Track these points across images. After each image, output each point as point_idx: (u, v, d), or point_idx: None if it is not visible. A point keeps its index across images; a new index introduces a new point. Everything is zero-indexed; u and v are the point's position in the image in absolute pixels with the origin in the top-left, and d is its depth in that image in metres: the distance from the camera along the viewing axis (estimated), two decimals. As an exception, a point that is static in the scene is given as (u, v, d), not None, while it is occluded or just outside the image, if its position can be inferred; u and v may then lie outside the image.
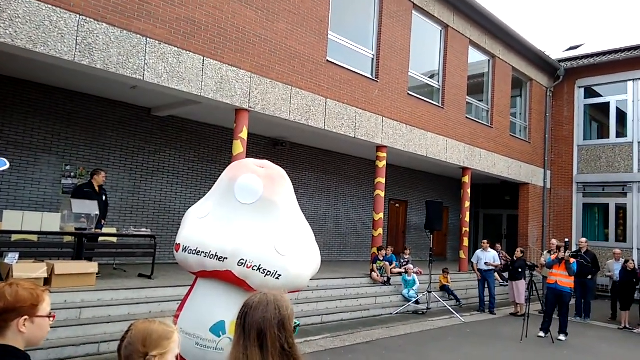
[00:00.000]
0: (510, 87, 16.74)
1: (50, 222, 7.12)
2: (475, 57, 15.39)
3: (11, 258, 6.21)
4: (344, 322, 9.15)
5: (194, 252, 3.51)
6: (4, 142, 8.74)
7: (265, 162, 4.00)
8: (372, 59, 11.73)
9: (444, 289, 12.00)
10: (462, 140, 14.33)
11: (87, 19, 6.84)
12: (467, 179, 14.66)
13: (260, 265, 3.36)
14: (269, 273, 3.36)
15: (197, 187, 11.55)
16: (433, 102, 13.49)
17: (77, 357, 5.72)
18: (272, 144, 13.20)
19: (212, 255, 3.43)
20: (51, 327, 1.94)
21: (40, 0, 6.41)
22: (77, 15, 6.75)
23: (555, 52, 20.13)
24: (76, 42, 6.73)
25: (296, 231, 3.74)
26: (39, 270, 6.13)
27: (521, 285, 11.31)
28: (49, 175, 9.38)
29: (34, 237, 7.43)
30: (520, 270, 11.36)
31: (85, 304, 6.38)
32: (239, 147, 8.82)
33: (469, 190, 14.68)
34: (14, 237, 7.16)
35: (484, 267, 11.70)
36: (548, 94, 18.82)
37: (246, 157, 8.77)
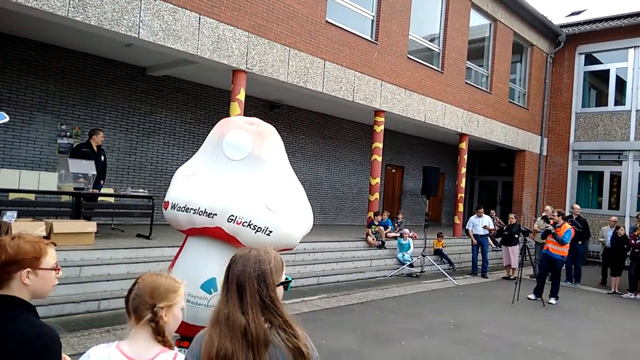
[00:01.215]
0: (510, 52, 16.51)
1: (47, 181, 7.09)
2: (476, 20, 15.10)
3: (9, 216, 6.22)
4: (339, 284, 9.31)
5: (182, 209, 3.48)
6: (-3, 100, 8.61)
7: (255, 119, 3.92)
8: (372, 21, 11.48)
9: (437, 252, 12.19)
10: (461, 106, 14.23)
11: (80, -28, 6.61)
12: (464, 145, 14.64)
13: (250, 222, 3.33)
14: (259, 229, 3.33)
15: (194, 149, 11.45)
16: (433, 66, 13.32)
17: (77, 314, 5.81)
18: (269, 107, 13.07)
19: (201, 211, 3.39)
20: None
21: (31, -48, 6.17)
22: (70, -32, 6.52)
23: (557, 17, 19.78)
24: (69, -4, 6.52)
25: (287, 188, 3.69)
26: (38, 228, 6.14)
27: (515, 250, 11.49)
28: (45, 135, 9.28)
29: (31, 196, 7.42)
30: (516, 235, 11.51)
31: (84, 263, 6.44)
32: (236, 109, 8.72)
33: (465, 157, 14.70)
34: (11, 196, 7.14)
35: (481, 232, 11.84)
36: (548, 60, 18.60)
37: (244, 119, 8.69)
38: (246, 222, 3.32)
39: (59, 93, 9.43)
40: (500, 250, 12.62)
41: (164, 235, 8.63)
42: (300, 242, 3.92)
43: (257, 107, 12.57)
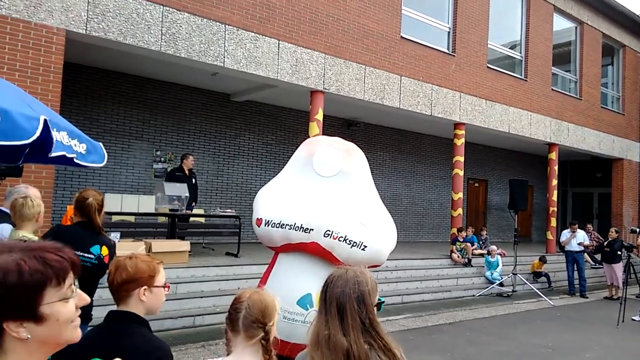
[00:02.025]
0: (600, 55, 15.45)
1: (146, 203, 7.63)
2: (560, 24, 14.33)
3: (114, 237, 6.74)
4: (425, 303, 9.05)
5: (277, 225, 3.55)
6: (101, 130, 9.45)
7: (337, 138, 4.03)
8: (448, 32, 11.29)
9: (536, 275, 11.45)
10: (548, 114, 13.48)
11: (170, 9, 7.15)
12: (553, 156, 13.80)
13: (346, 237, 3.37)
14: (355, 244, 3.36)
15: (275, 169, 11.83)
16: (515, 74, 12.78)
17: (174, 329, 6.14)
18: (346, 125, 13.19)
19: (297, 227, 3.46)
20: None
21: (129, -5, 6.79)
22: (161, 7, 7.08)
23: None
24: (161, 32, 7.08)
25: (376, 204, 3.73)
26: (138, 248, 6.60)
27: (618, 267, 10.54)
28: (142, 160, 10.04)
29: (131, 218, 8.01)
30: (618, 252, 10.57)
31: (180, 280, 6.81)
32: (315, 129, 8.89)
33: (555, 168, 13.83)
34: (114, 218, 7.77)
35: (575, 248, 11.03)
36: (645, 60, 17.15)
37: (323, 138, 8.85)
38: (342, 237, 3.36)
39: (153, 122, 10.18)
40: (600, 267, 11.65)
41: (250, 253, 8.92)
42: (384, 260, 3.92)
43: (335, 125, 12.74)
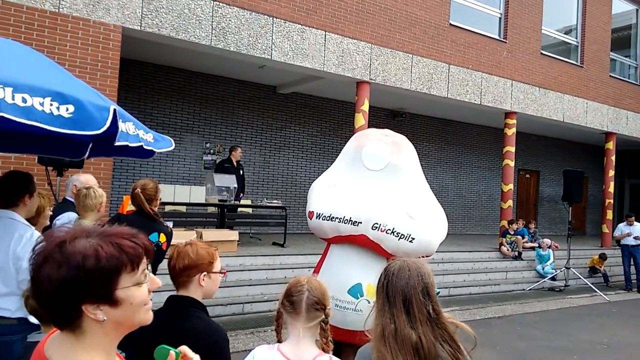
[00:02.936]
0: (664, 38, 14.51)
1: (196, 194, 7.89)
2: (619, 7, 13.57)
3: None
4: (472, 296, 8.91)
5: (327, 218, 3.66)
6: (154, 123, 9.81)
7: (388, 130, 4.04)
8: (500, 18, 10.93)
9: (593, 270, 11.01)
10: (606, 102, 12.83)
11: (220, 3, 7.30)
12: (611, 145, 13.15)
13: (394, 229, 3.42)
14: (402, 236, 3.41)
15: (320, 160, 11.90)
16: (570, 60, 12.24)
17: (225, 316, 6.34)
18: (391, 116, 13.06)
19: (347, 220, 3.55)
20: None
21: (180, -9, 6.98)
22: (211, 1, 7.24)
23: None
24: (212, 27, 7.24)
25: (424, 196, 3.73)
26: (190, 237, 6.84)
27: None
28: (192, 153, 10.35)
29: (183, 208, 8.30)
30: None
31: (229, 268, 7.01)
32: (360, 119, 8.87)
33: (613, 158, 13.18)
34: (167, 208, 8.07)
35: (632, 242, 10.51)
36: None
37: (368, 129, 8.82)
38: (390, 229, 3.42)
39: (203, 115, 10.46)
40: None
41: (296, 243, 9.06)
42: (432, 251, 3.92)
43: (380, 116, 12.64)
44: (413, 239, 3.39)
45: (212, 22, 7.25)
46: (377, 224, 3.46)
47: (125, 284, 1.03)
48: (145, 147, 2.67)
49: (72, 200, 3.99)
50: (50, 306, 1.00)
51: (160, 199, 3.57)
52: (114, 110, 2.21)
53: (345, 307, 3.50)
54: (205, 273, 2.03)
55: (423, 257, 3.55)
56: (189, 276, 2.02)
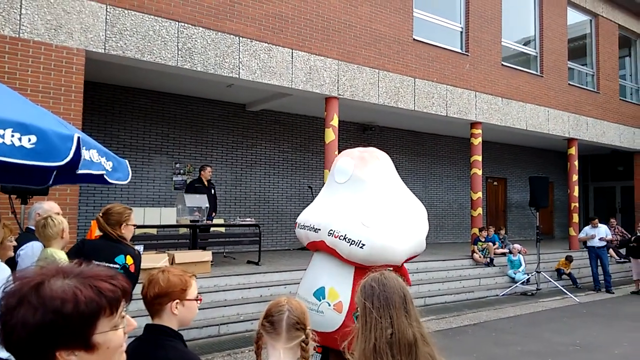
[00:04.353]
0: (617, 47, 15.23)
1: (167, 216, 7.78)
2: (575, 17, 14.18)
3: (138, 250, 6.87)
4: (447, 305, 9.01)
5: (301, 227, 4.08)
6: (121, 145, 9.65)
7: (370, 148, 4.24)
8: (461, 32, 11.27)
9: (560, 273, 11.30)
10: (566, 109, 13.32)
11: (185, 24, 7.30)
12: (573, 151, 13.62)
13: (345, 235, 3.67)
14: (353, 242, 3.64)
15: (292, 176, 11.92)
16: (530, 70, 12.68)
17: (200, 339, 6.23)
18: (361, 129, 13.22)
19: (311, 227, 3.93)
20: None
21: (144, 12, 6.95)
22: (177, 22, 7.23)
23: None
24: (177, 47, 7.22)
25: (387, 206, 3.87)
26: (162, 260, 6.72)
27: (644, 262, 10.35)
28: (162, 174, 10.21)
29: (154, 231, 8.16)
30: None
31: (203, 290, 6.90)
32: (330, 134, 8.95)
33: (576, 163, 13.65)
34: (137, 231, 7.91)
35: (597, 244, 10.86)
36: (664, 49, 16.83)
37: (338, 144, 8.91)
38: (342, 235, 3.67)
39: (172, 135, 10.36)
40: (626, 261, 11.44)
41: (271, 261, 9.00)
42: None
43: (350, 130, 12.78)
44: (364, 245, 3.58)
45: (178, 43, 7.24)
46: (332, 230, 3.74)
47: (103, 329, 1.00)
48: (105, 177, 2.65)
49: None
50: (22, 352, 0.95)
51: (133, 221, 3.52)
52: (78, 138, 2.18)
53: (310, 309, 3.65)
54: (178, 301, 2.01)
55: (390, 266, 3.57)
56: (160, 304, 2.00)
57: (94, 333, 0.98)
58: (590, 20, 14.66)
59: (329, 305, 3.64)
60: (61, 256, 3.19)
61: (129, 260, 3.36)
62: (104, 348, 1.00)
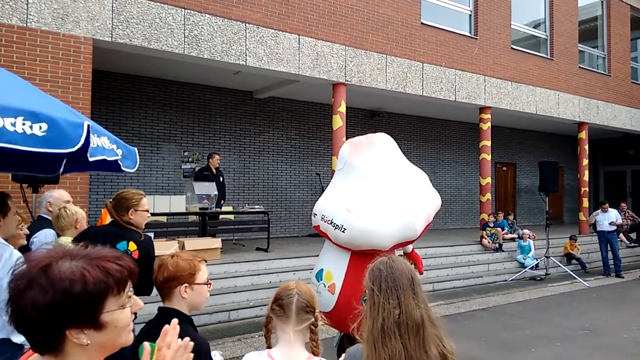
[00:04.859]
0: (629, 28, 14.95)
1: (177, 203, 7.83)
2: (585, -1, 13.93)
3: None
4: (456, 290, 9.03)
5: (313, 214, 4.19)
6: (130, 134, 9.70)
7: (375, 134, 4.21)
8: (470, 16, 11.12)
9: (569, 257, 11.26)
10: (576, 93, 13.16)
11: (192, 11, 7.28)
12: (583, 135, 13.48)
13: (332, 220, 3.78)
14: (337, 226, 3.72)
15: (300, 163, 11.93)
16: (540, 54, 12.51)
17: (211, 324, 6.31)
18: (369, 116, 13.17)
19: (314, 214, 4.08)
20: None
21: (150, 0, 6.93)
22: (183, 10, 7.21)
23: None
24: (184, 35, 7.21)
25: (375, 191, 3.84)
26: (172, 247, 6.79)
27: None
28: (171, 162, 10.27)
29: (163, 218, 8.22)
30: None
31: (213, 276, 6.97)
32: (338, 121, 8.92)
33: (586, 147, 13.51)
34: (147, 219, 7.98)
35: (607, 228, 10.80)
36: (678, 30, 16.51)
37: (346, 130, 8.89)
38: (329, 220, 3.78)
39: (180, 123, 10.39)
40: (636, 246, 11.37)
41: (280, 247, 9.06)
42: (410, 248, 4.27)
43: (358, 117, 12.73)
44: (345, 229, 3.64)
45: (184, 30, 7.22)
46: (323, 215, 3.87)
47: (110, 308, 1.03)
48: (119, 162, 2.68)
49: (47, 217, 3.95)
50: (32, 332, 0.98)
51: (143, 207, 3.48)
52: (88, 126, 2.20)
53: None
54: (186, 285, 2.04)
55: (377, 250, 3.52)
56: (170, 288, 2.04)
57: (102, 312, 1.02)
58: (602, 2, 14.40)
59: (325, 286, 3.77)
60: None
61: (132, 246, 3.30)
62: (112, 326, 1.04)
